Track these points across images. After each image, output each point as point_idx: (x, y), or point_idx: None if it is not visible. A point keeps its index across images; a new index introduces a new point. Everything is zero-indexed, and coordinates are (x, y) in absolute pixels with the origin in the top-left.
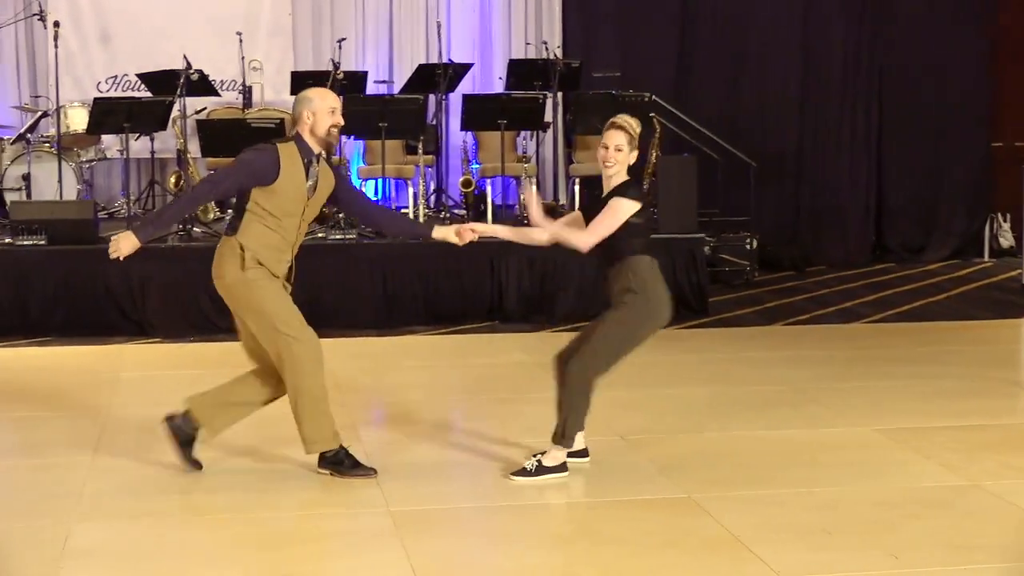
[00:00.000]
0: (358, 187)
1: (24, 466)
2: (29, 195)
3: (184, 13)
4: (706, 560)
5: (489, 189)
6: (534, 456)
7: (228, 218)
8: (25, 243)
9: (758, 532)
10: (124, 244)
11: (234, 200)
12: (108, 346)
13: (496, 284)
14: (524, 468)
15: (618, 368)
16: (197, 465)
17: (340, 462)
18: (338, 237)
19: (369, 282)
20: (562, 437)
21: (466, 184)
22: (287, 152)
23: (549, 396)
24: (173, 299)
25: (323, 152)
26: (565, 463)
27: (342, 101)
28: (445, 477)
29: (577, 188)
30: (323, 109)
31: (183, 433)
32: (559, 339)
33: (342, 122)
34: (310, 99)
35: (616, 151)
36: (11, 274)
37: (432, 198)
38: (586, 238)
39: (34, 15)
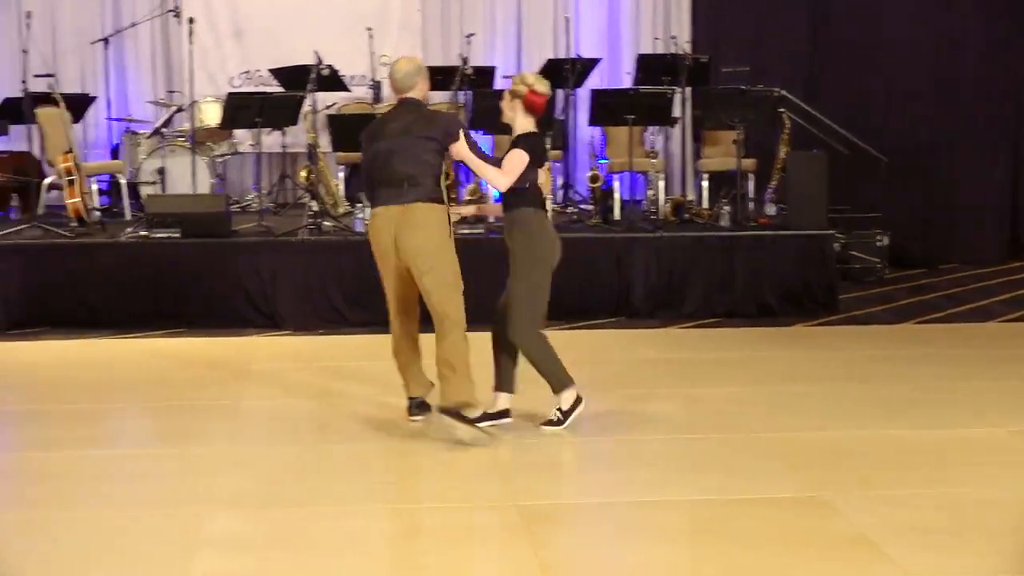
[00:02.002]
0: None
1: (158, 455)
2: (164, 188)
3: (315, 9)
4: (834, 560)
5: (617, 184)
6: (555, 409)
7: (416, 187)
8: (159, 235)
9: (887, 532)
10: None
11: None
12: (240, 338)
13: (623, 279)
14: (551, 420)
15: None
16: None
17: (464, 416)
18: (465, 231)
19: (495, 277)
20: (561, 387)
21: (593, 179)
22: None
23: (678, 392)
24: (303, 292)
25: None
26: (580, 397)
27: (470, 96)
28: (572, 472)
29: (705, 183)
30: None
31: (455, 414)
32: (687, 335)
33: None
34: (423, 68)
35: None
36: (146, 266)
37: (559, 193)
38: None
39: (169, 12)
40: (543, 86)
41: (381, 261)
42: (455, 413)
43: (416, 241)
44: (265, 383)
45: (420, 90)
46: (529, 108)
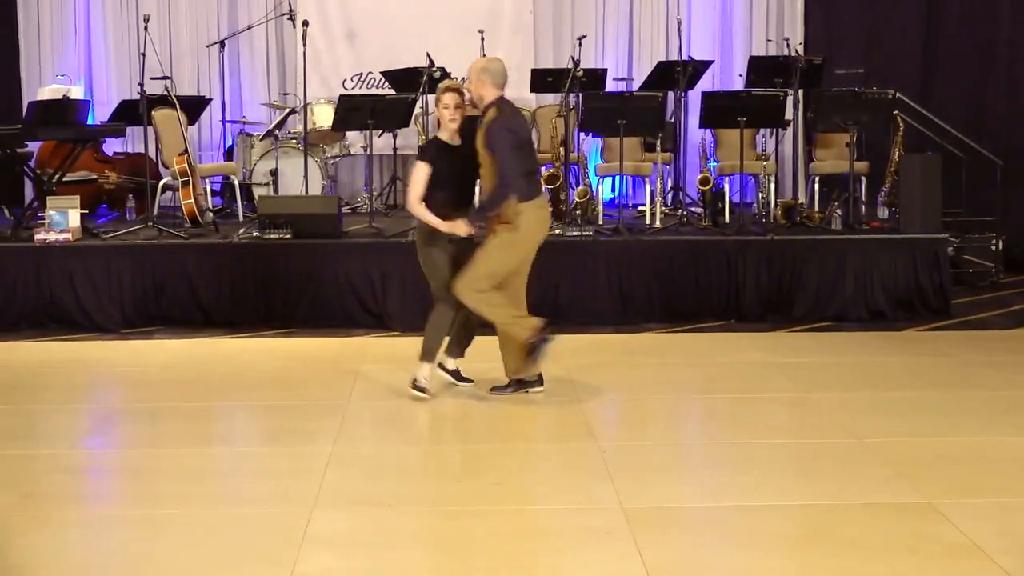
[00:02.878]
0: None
1: (268, 453)
2: (276, 190)
3: (427, 12)
4: (946, 568)
5: (727, 187)
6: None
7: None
8: (271, 236)
9: (1001, 541)
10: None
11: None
12: (349, 338)
13: (733, 282)
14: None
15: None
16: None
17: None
18: (575, 234)
19: (605, 279)
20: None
21: (704, 182)
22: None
23: (787, 396)
24: (413, 293)
25: None
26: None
27: (581, 98)
28: (680, 475)
29: (817, 186)
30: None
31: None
32: (797, 339)
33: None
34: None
35: (456, 107)
36: (258, 267)
37: (669, 196)
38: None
39: (284, 15)
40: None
41: (531, 248)
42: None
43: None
44: (374, 383)
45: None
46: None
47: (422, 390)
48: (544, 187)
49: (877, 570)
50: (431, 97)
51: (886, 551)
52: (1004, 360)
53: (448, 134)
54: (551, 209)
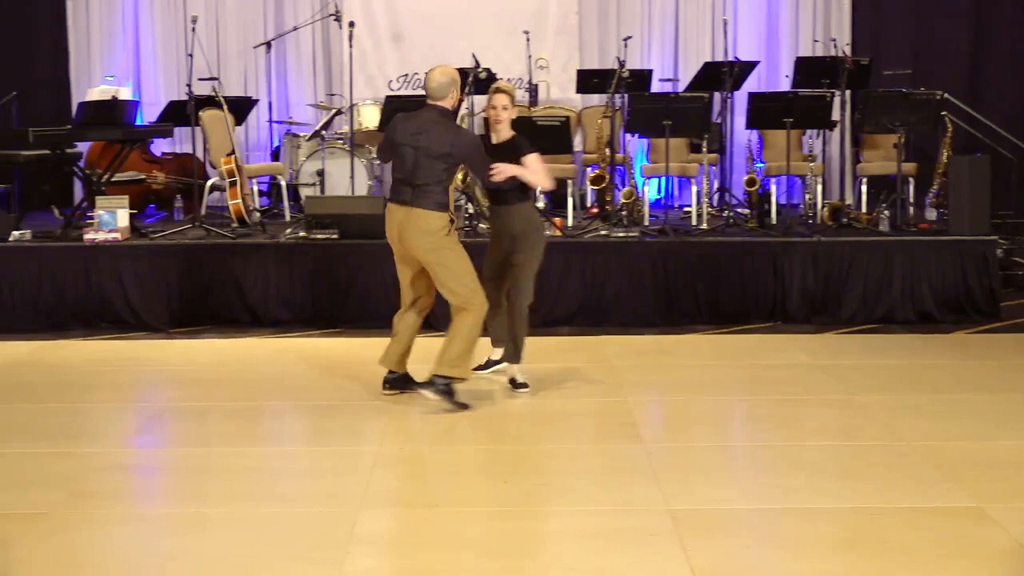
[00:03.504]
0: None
1: (314, 453)
2: (323, 190)
3: (473, 12)
4: (995, 572)
5: (773, 188)
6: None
7: (424, 196)
8: (318, 236)
9: None
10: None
11: (430, 179)
12: None
13: (779, 284)
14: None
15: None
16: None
17: (451, 392)
18: (620, 235)
19: (651, 280)
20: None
21: (750, 183)
22: None
23: (834, 399)
24: None
25: None
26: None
27: (627, 99)
28: (725, 477)
29: (864, 187)
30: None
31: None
32: (844, 341)
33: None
34: (456, 81)
35: (503, 109)
36: (305, 266)
37: (715, 197)
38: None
39: (330, 16)
40: None
41: (392, 247)
42: (440, 387)
43: (420, 242)
44: (420, 383)
45: (451, 100)
46: None
47: (524, 385)
48: (598, 186)
49: (922, 574)
50: (476, 98)
51: (933, 555)
52: None
53: (496, 135)
54: (392, 214)
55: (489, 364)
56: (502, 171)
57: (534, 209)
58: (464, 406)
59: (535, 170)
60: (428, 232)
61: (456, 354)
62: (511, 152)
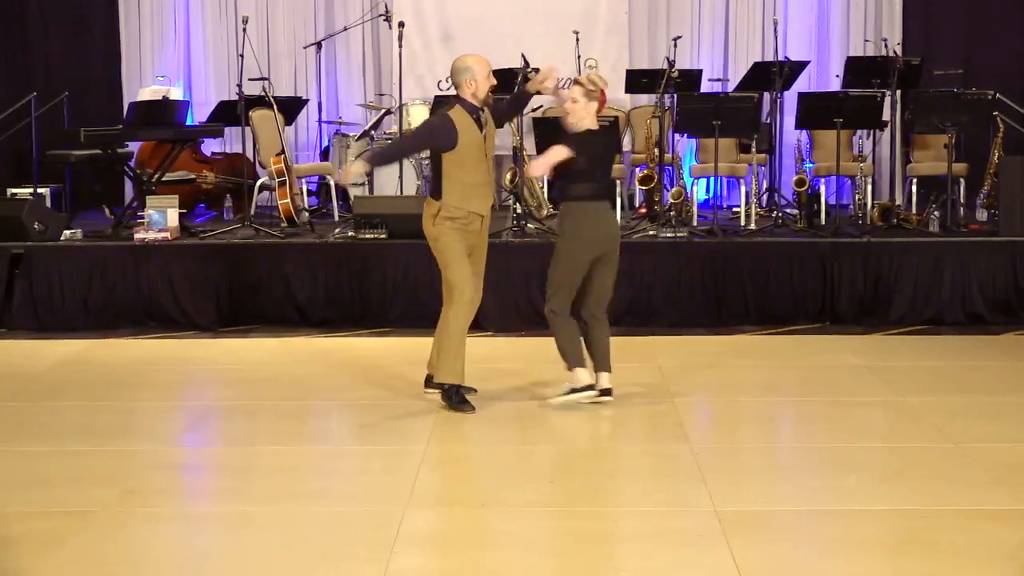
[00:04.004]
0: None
1: (361, 452)
2: (371, 190)
3: (522, 13)
4: None
5: (823, 188)
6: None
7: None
8: (366, 236)
9: None
10: (351, 170)
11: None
12: None
13: (828, 285)
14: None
15: (571, 296)
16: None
17: (450, 396)
18: (669, 235)
19: (700, 280)
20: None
21: (800, 183)
22: (458, 116)
23: (883, 400)
24: (507, 293)
25: (488, 107)
26: (590, 383)
27: (676, 99)
28: (773, 479)
29: (914, 188)
30: (483, 74)
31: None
32: (893, 342)
33: (495, 82)
34: (471, 69)
35: (572, 102)
36: (353, 266)
37: (764, 197)
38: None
39: (380, 16)
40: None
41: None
42: (441, 390)
43: (424, 230)
44: (467, 383)
45: (467, 88)
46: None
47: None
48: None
49: None
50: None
51: (984, 558)
52: None
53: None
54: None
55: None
56: (535, 165)
57: (574, 207)
58: (464, 408)
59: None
60: (425, 218)
61: (445, 357)
62: (599, 139)
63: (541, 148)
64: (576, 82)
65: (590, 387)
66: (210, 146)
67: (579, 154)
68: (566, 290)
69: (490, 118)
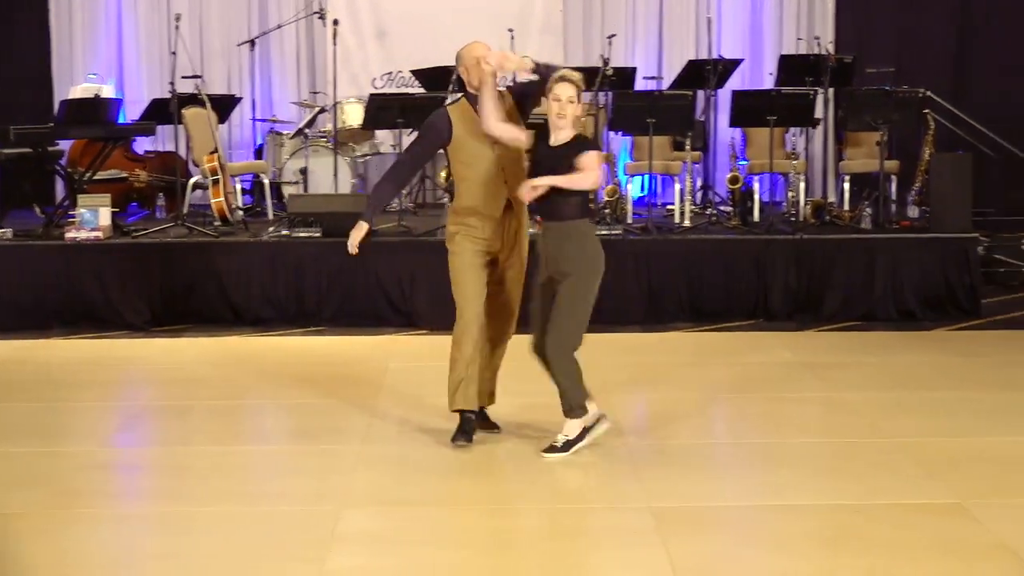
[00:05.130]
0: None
1: (297, 452)
2: (306, 188)
3: (457, 11)
4: (977, 570)
5: (757, 186)
6: (561, 435)
7: None
8: (301, 235)
9: None
10: (355, 235)
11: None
12: (378, 337)
13: (762, 282)
14: (554, 445)
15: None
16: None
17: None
18: (603, 233)
19: (634, 278)
20: (571, 410)
21: (733, 181)
22: (457, 110)
23: (816, 396)
24: (441, 292)
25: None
26: (585, 430)
27: (610, 97)
28: (708, 475)
29: (847, 185)
30: (471, 59)
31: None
32: (826, 339)
33: (491, 65)
34: (460, 56)
35: (569, 102)
36: (287, 265)
37: (698, 195)
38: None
39: (314, 13)
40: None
41: None
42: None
43: None
44: (402, 382)
45: (466, 82)
46: None
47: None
48: None
49: (906, 571)
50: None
51: (916, 551)
52: None
53: (554, 134)
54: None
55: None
56: (533, 188)
57: (591, 226)
58: (458, 441)
59: (581, 174)
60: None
61: (449, 381)
62: (570, 156)
63: None
64: (566, 79)
65: (602, 416)
66: (143, 144)
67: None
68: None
69: (505, 107)
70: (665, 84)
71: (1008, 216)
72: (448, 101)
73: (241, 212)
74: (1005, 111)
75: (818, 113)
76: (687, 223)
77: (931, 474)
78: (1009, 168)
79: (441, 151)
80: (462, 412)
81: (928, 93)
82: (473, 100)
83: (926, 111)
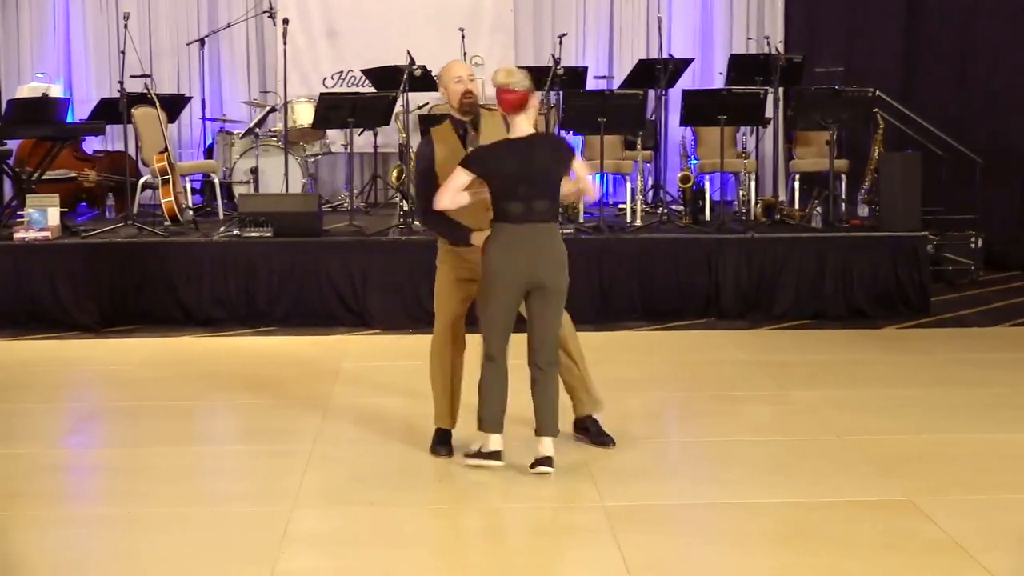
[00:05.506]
0: None
1: (248, 452)
2: (256, 188)
3: (408, 10)
4: (926, 565)
5: (707, 185)
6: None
7: None
8: (252, 235)
9: (981, 538)
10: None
11: None
12: (330, 337)
13: (713, 280)
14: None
15: (502, 338)
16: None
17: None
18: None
19: (586, 277)
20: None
21: (684, 180)
22: (440, 133)
23: (767, 394)
24: (393, 291)
25: (474, 117)
26: (498, 451)
27: (561, 96)
28: (661, 473)
29: (797, 184)
30: (450, 82)
31: None
32: (777, 337)
33: (469, 87)
34: (439, 77)
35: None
36: (238, 265)
37: (650, 194)
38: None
39: (264, 12)
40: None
41: None
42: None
43: None
44: (354, 382)
45: (449, 103)
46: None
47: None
48: None
49: (858, 567)
50: (412, 95)
51: (867, 548)
52: (983, 357)
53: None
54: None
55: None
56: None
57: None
58: (439, 452)
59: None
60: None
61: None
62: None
63: None
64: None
65: (497, 455)
66: (92, 144)
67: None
68: (495, 331)
69: (490, 134)
70: (616, 83)
71: (957, 215)
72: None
73: (191, 212)
74: (954, 110)
75: (768, 112)
76: (639, 222)
77: (882, 471)
78: (957, 167)
79: None
80: (440, 428)
81: (877, 92)
82: (457, 123)
83: (875, 110)
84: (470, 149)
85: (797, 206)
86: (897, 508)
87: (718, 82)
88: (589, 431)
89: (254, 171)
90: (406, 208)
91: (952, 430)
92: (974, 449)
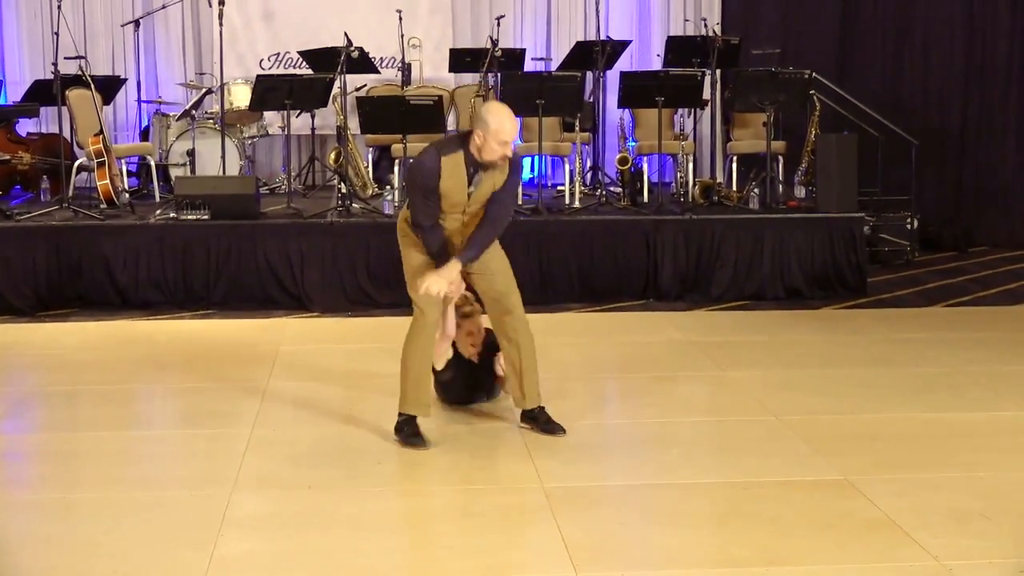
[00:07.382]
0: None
1: (186, 436)
2: (193, 170)
3: None
4: (863, 543)
5: (646, 167)
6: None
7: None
8: (188, 217)
9: (916, 516)
10: (450, 272)
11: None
12: (268, 320)
13: (651, 262)
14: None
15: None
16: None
17: (400, 428)
18: None
19: (524, 259)
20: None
21: (623, 162)
22: (451, 164)
23: (705, 375)
24: (332, 274)
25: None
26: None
27: (499, 78)
28: (599, 454)
29: (734, 166)
30: (495, 139)
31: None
32: (715, 318)
33: (510, 154)
34: (487, 122)
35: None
36: (175, 248)
37: (588, 176)
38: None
39: None
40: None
41: None
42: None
43: None
44: (293, 365)
45: (474, 138)
46: None
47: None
48: None
49: (795, 546)
50: (349, 77)
51: (804, 527)
52: (919, 337)
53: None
54: None
55: None
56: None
57: None
58: (416, 443)
59: None
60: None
61: (401, 383)
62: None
63: (367, 127)
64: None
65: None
66: (25, 126)
67: None
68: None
69: (500, 176)
70: (554, 65)
71: (892, 195)
72: (447, 149)
73: (127, 195)
74: (889, 92)
75: (706, 94)
76: (577, 204)
77: (818, 451)
78: (893, 148)
79: None
80: (410, 415)
81: (813, 74)
82: (470, 160)
83: (811, 92)
84: (472, 188)
85: (735, 188)
86: (833, 487)
87: (656, 64)
88: (537, 420)
89: (191, 153)
90: (344, 190)
91: (887, 409)
92: (909, 428)
